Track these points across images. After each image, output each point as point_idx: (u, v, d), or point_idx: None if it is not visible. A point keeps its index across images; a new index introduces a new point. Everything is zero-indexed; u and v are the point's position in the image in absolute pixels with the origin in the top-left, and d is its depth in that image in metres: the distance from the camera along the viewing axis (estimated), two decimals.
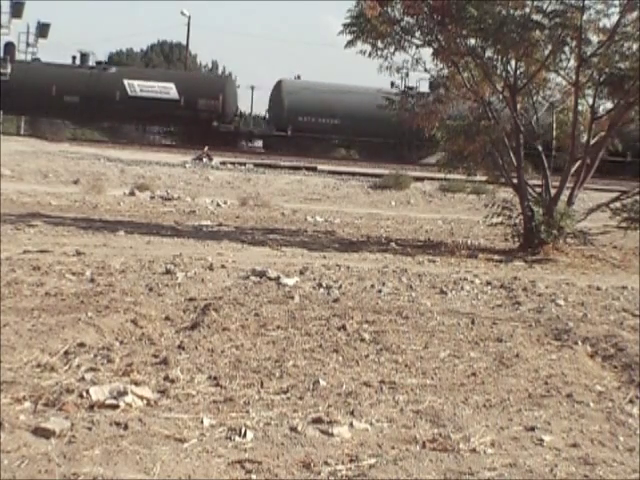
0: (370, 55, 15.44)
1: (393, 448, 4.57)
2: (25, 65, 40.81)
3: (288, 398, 5.33)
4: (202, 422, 4.75)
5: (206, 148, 33.34)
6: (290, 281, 9.78)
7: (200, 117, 39.94)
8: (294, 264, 11.44)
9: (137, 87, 39.98)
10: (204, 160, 30.93)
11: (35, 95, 37.79)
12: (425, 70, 15.81)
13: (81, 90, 39.22)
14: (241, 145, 40.70)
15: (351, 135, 40.06)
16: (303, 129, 39.75)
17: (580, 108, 15.15)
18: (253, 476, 4.11)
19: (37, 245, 11.58)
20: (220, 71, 66.25)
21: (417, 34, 15.32)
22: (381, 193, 27.02)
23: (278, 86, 41.82)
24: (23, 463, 4.03)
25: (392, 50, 15.39)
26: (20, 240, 12.04)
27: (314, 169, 30.30)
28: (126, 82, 40.08)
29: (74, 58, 41.41)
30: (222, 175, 27.72)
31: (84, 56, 41.35)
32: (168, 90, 40.08)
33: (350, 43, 15.27)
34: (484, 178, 18.23)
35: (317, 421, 4.91)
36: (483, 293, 10.08)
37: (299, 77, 44.35)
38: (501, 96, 15.66)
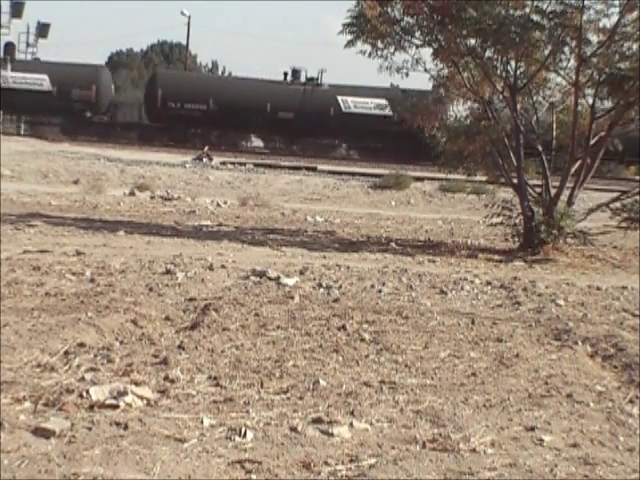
0: (370, 55, 15.44)
1: (393, 448, 4.57)
2: (241, 81, 40.94)
3: (288, 398, 5.33)
4: (202, 422, 4.75)
5: (206, 148, 33.32)
6: (290, 281, 9.79)
7: (413, 133, 39.87)
8: (294, 264, 11.43)
9: (351, 103, 40.07)
10: (204, 160, 30.93)
11: (251, 112, 38.14)
12: (425, 70, 15.82)
13: (295, 106, 39.50)
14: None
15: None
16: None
17: (580, 108, 15.15)
18: (253, 476, 4.11)
19: (37, 245, 11.58)
20: (220, 71, 66.18)
21: (417, 34, 15.31)
22: (381, 193, 27.02)
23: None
24: (23, 463, 4.03)
25: (392, 50, 15.38)
26: (20, 240, 12.04)
27: (314, 169, 30.30)
28: (340, 98, 40.18)
29: (285, 74, 41.36)
30: (222, 175, 27.71)
31: (296, 72, 41.18)
32: (383, 107, 39.99)
33: (350, 43, 15.26)
34: (484, 178, 18.23)
35: (317, 421, 4.91)
36: (483, 293, 10.08)
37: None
38: (501, 96, 15.67)
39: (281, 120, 39.39)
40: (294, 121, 39.45)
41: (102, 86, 40.28)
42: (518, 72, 15.27)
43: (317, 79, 41.18)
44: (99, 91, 39.94)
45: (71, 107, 39.05)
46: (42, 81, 39.35)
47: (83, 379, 5.41)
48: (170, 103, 39.50)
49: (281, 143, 42.79)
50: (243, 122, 39.37)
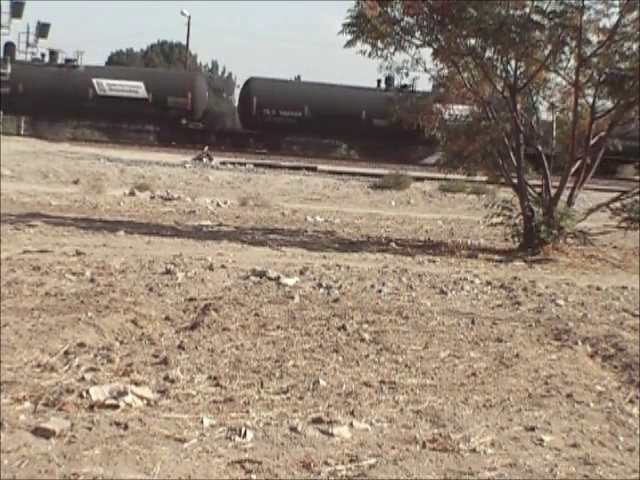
0: (370, 55, 15.47)
1: (393, 448, 4.56)
2: (335, 88, 40.56)
3: (288, 398, 5.33)
4: (202, 422, 4.74)
5: (206, 148, 33.30)
6: (290, 281, 9.78)
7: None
8: (294, 264, 11.43)
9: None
10: (204, 160, 30.93)
11: (346, 119, 38.05)
12: (425, 70, 15.84)
13: (390, 114, 39.12)
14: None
15: None
16: None
17: (580, 108, 15.15)
18: (253, 476, 4.11)
19: (37, 245, 11.58)
20: (220, 71, 66.20)
21: (417, 34, 15.33)
22: (381, 193, 27.02)
23: None
24: (23, 463, 4.03)
25: (392, 50, 15.41)
26: (20, 240, 12.04)
27: (314, 169, 30.30)
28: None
29: (379, 81, 41.20)
30: (222, 175, 27.72)
31: (388, 80, 40.89)
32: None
33: (350, 43, 15.27)
34: (484, 178, 18.24)
35: (317, 421, 4.91)
36: (483, 293, 10.08)
37: (299, 77, 43.92)
38: (501, 96, 15.68)
39: (376, 127, 39.02)
40: (389, 128, 39.35)
41: (197, 93, 39.99)
42: (518, 72, 15.29)
43: (411, 86, 41.08)
44: (194, 98, 39.62)
45: (166, 114, 38.91)
46: (138, 88, 39.21)
47: (83, 379, 5.41)
48: (265, 110, 39.27)
49: (375, 151, 42.73)
50: (338, 129, 39.18)
